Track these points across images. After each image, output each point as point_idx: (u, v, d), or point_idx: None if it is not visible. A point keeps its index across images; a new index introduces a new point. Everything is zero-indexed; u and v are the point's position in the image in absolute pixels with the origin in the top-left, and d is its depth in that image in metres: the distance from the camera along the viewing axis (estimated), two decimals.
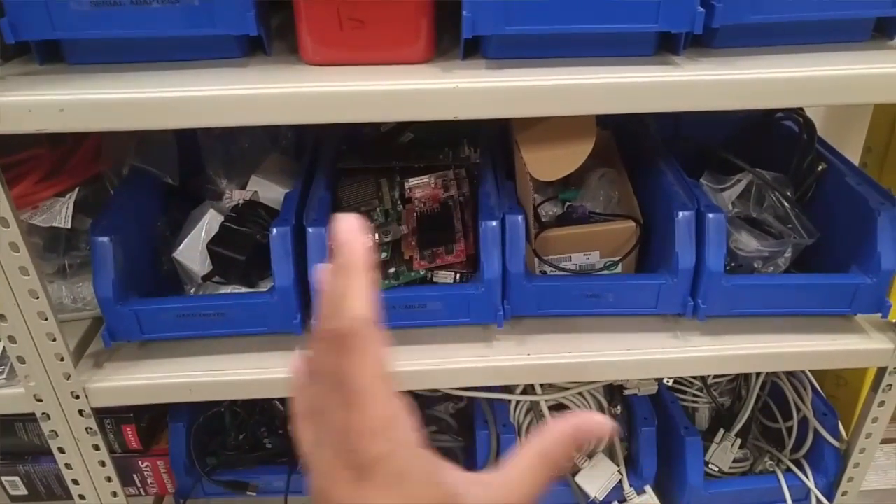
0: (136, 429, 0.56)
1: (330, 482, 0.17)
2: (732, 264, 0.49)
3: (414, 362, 0.46)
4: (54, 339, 0.43)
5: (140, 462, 0.59)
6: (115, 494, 0.51)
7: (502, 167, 0.52)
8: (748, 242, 0.49)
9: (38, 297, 0.41)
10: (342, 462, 0.16)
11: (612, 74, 0.36)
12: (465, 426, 0.61)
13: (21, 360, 0.43)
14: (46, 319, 0.42)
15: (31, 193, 0.45)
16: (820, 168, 0.52)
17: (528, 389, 0.59)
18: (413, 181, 0.49)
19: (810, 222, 0.50)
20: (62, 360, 0.44)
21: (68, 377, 0.44)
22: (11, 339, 0.42)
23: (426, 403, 0.61)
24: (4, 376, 0.45)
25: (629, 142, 0.55)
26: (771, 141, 0.57)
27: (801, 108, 0.54)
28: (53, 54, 0.38)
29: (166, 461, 0.58)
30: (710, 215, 0.44)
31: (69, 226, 0.46)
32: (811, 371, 0.60)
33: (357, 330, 0.16)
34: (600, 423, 0.19)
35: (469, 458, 0.58)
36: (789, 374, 0.60)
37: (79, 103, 0.35)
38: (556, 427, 0.19)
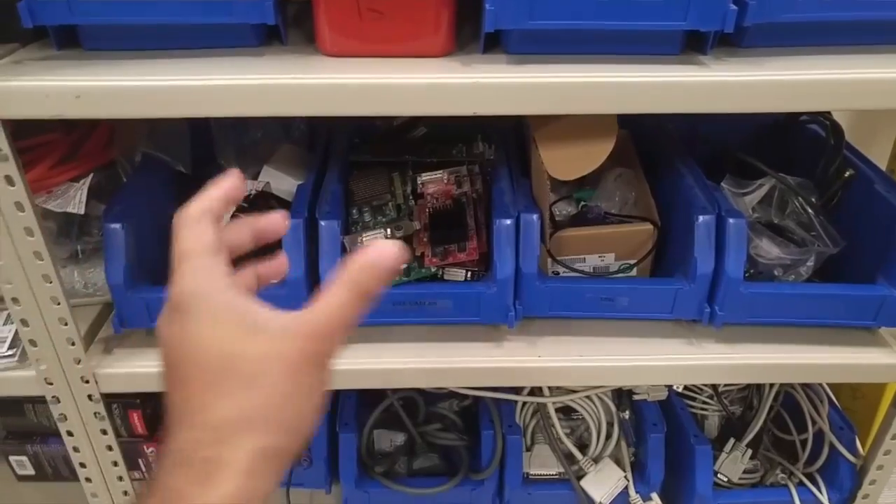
0: (143, 415, 0.57)
1: (161, 328, 0.22)
2: (752, 271, 0.48)
3: (422, 360, 0.46)
4: (66, 324, 0.43)
5: (145, 447, 0.59)
6: (120, 478, 0.52)
7: (517, 164, 0.51)
8: (769, 249, 0.48)
9: (51, 282, 0.41)
10: (167, 309, 0.22)
11: (636, 73, 0.35)
12: (469, 425, 0.60)
13: (33, 343, 0.43)
14: (59, 304, 0.42)
15: (45, 178, 0.45)
16: (847, 174, 0.51)
17: (536, 391, 0.58)
18: (426, 176, 0.49)
19: (835, 230, 0.49)
20: (73, 344, 0.44)
21: (79, 362, 0.45)
22: (24, 323, 0.43)
23: (431, 400, 0.61)
24: (16, 359, 0.46)
25: (646, 142, 0.53)
26: (795, 144, 0.56)
27: (829, 112, 0.53)
28: (71, 40, 0.38)
29: None
30: (731, 220, 0.43)
31: (83, 211, 0.46)
32: (828, 383, 0.59)
33: (178, 220, 0.23)
34: (391, 253, 0.21)
35: (473, 458, 0.58)
36: (805, 385, 0.59)
37: (95, 90, 0.35)
38: (360, 257, 0.21)
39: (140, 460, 0.60)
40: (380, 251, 0.21)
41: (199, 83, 0.35)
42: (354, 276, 0.21)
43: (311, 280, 0.44)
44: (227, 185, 0.24)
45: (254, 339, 0.20)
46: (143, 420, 0.57)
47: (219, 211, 0.23)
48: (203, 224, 0.22)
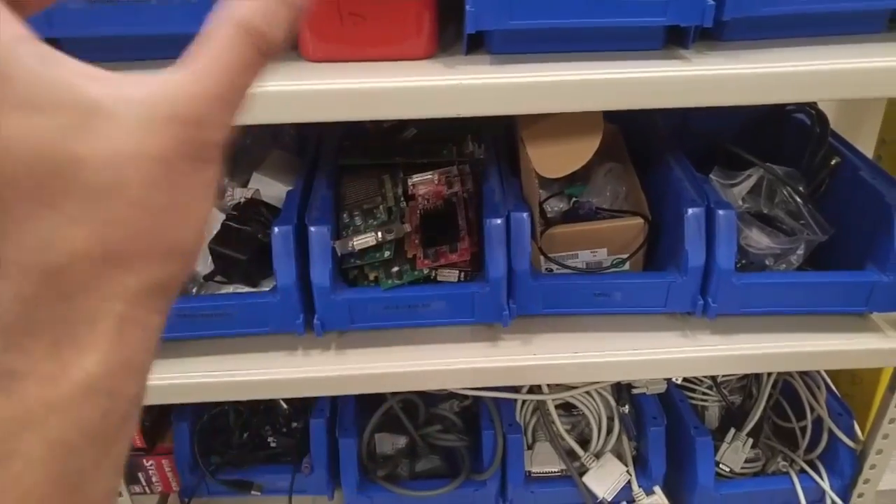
0: (141, 428, 0.56)
1: None
2: (743, 262, 0.48)
3: (418, 362, 0.46)
4: None
5: (145, 461, 0.59)
6: (119, 494, 0.51)
7: (507, 163, 0.51)
8: (759, 239, 0.48)
9: None
10: None
11: (619, 69, 0.35)
12: (470, 425, 0.60)
13: None
14: None
15: None
16: (833, 162, 0.51)
17: (535, 388, 0.58)
18: (416, 178, 0.49)
19: (824, 218, 0.49)
20: None
21: None
22: None
23: (430, 401, 0.61)
24: None
25: (636, 136, 0.54)
26: (782, 135, 0.56)
27: (814, 102, 0.53)
28: None
29: (171, 460, 0.58)
30: (721, 212, 0.43)
31: None
32: (826, 370, 0.59)
33: None
34: None
35: (475, 458, 0.58)
36: (803, 372, 0.59)
37: None
38: None
39: (140, 474, 0.60)
40: None
41: None
42: (252, 21, 0.13)
43: (303, 287, 0.44)
44: None
45: (100, 130, 0.12)
46: (141, 433, 0.57)
47: None
48: None
